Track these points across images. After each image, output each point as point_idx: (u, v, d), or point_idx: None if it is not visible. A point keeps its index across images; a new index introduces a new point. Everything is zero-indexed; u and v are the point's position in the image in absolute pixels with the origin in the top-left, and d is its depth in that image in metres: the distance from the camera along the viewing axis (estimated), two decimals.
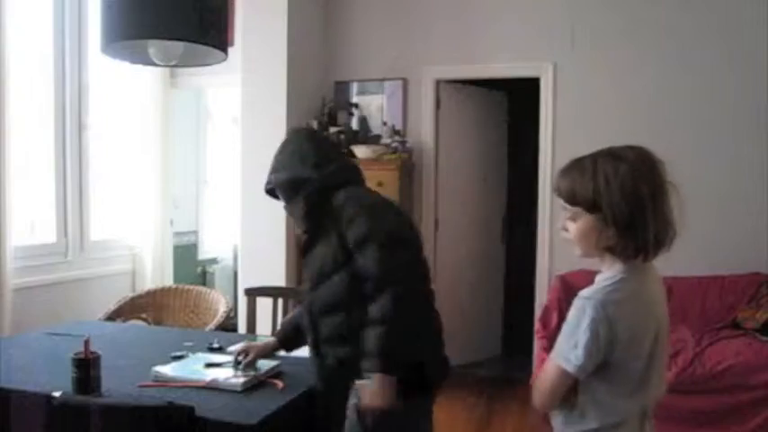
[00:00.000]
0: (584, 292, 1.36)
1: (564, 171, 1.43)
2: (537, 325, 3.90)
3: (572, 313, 1.36)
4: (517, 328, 5.05)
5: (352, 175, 2.00)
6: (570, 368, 1.33)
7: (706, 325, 3.71)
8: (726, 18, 4.07)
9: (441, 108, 4.73)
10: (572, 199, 1.40)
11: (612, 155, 1.36)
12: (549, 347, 3.71)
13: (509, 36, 4.49)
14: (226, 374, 2.00)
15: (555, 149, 4.40)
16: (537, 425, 3.87)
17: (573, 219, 1.40)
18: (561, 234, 1.46)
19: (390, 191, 4.32)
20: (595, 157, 1.38)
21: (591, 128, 4.30)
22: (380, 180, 4.31)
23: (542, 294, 4.29)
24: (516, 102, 5.31)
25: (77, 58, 4.07)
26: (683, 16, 4.15)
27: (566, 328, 1.36)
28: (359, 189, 1.96)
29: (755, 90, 4.02)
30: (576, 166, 1.40)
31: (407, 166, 4.54)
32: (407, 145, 4.58)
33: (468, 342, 4.78)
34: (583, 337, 1.31)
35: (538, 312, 4.07)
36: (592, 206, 1.35)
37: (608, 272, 1.38)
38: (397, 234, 1.80)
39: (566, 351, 1.34)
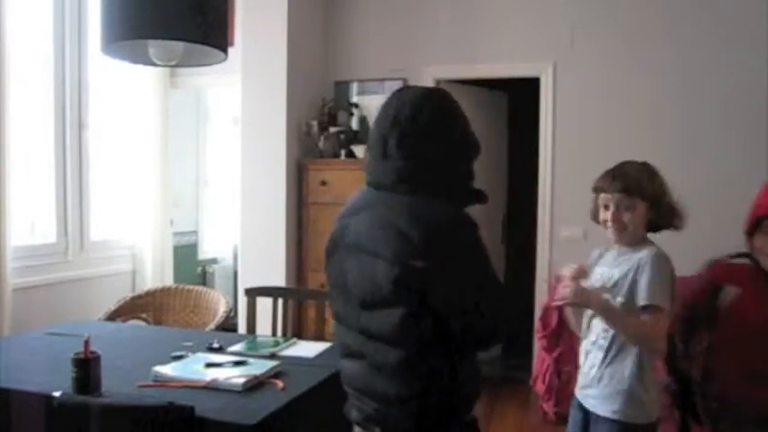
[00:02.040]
0: (655, 248, 1.89)
1: (618, 172, 1.92)
2: (537, 325, 3.90)
3: (656, 265, 1.83)
4: (517, 328, 5.05)
5: None
6: (666, 306, 1.80)
7: None
8: (726, 18, 4.07)
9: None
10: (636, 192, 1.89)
11: (647, 164, 1.96)
12: (548, 347, 3.72)
13: (509, 36, 4.49)
14: (226, 374, 2.00)
15: (555, 149, 4.40)
16: (537, 425, 3.88)
17: (630, 208, 1.89)
18: (609, 225, 1.92)
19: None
20: (640, 164, 1.95)
21: (591, 128, 4.30)
22: None
23: (542, 294, 4.29)
24: (516, 102, 5.31)
25: (77, 57, 4.07)
26: (683, 17, 4.15)
27: (653, 276, 1.81)
28: None
29: (755, 89, 4.02)
30: (628, 169, 1.92)
31: None
32: None
33: None
34: (667, 279, 1.84)
35: (538, 312, 4.07)
36: (650, 197, 1.89)
37: (647, 243, 1.92)
38: None
39: (660, 295, 1.80)
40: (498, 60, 4.51)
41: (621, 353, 1.88)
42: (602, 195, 1.94)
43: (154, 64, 2.35)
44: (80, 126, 4.12)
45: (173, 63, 2.36)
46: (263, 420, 1.71)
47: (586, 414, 1.97)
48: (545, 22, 4.40)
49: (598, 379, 1.92)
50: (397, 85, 4.71)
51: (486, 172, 5.14)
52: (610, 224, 1.91)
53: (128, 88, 4.55)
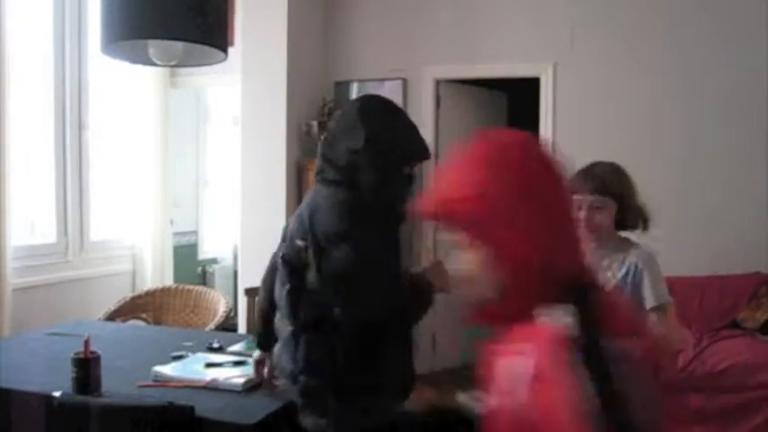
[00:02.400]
0: (642, 249, 1.92)
1: (588, 173, 1.92)
2: None
3: (652, 266, 1.88)
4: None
5: None
6: (670, 298, 1.87)
7: (706, 325, 3.71)
8: (726, 19, 4.07)
9: (440, 108, 4.73)
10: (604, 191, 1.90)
11: (615, 164, 1.97)
12: None
13: (509, 36, 4.49)
14: (226, 374, 2.00)
15: (555, 149, 4.39)
16: None
17: (601, 208, 1.89)
18: (582, 225, 1.88)
19: None
20: (609, 164, 1.96)
21: (590, 128, 4.30)
22: None
23: None
24: (516, 102, 5.31)
25: (77, 57, 4.07)
26: (683, 17, 4.15)
27: (654, 277, 1.87)
28: None
29: (755, 89, 4.02)
30: (598, 170, 1.93)
31: None
32: None
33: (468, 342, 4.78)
34: (661, 275, 1.90)
35: None
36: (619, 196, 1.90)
37: (631, 243, 1.95)
38: None
39: (666, 292, 1.87)
40: (498, 60, 4.51)
41: None
42: (575, 196, 1.89)
43: (154, 64, 2.35)
44: (80, 126, 4.12)
45: (173, 63, 2.36)
46: (262, 420, 1.71)
47: None
48: (545, 23, 4.40)
49: None
50: (397, 85, 4.71)
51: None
52: (583, 225, 1.88)
53: (128, 88, 4.55)
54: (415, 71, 4.70)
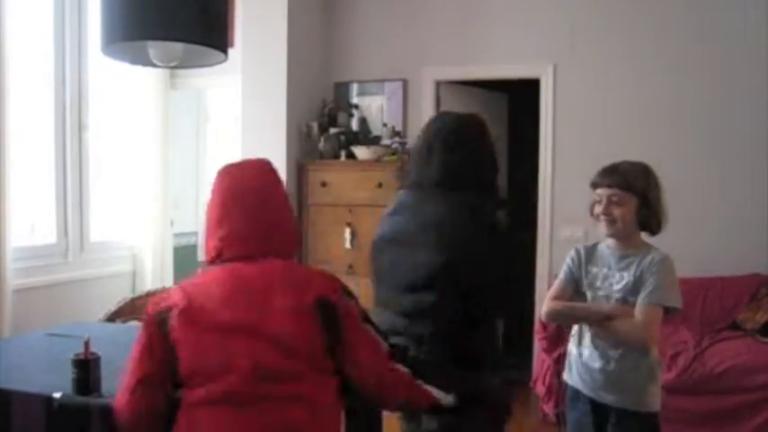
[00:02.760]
0: (661, 252, 1.98)
1: (612, 169, 2.01)
2: (537, 326, 3.90)
3: (662, 268, 1.93)
4: (517, 328, 5.04)
5: None
6: (679, 305, 1.94)
7: (706, 326, 3.71)
8: (726, 19, 4.07)
9: (441, 109, 4.73)
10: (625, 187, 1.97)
11: (644, 164, 2.05)
12: (549, 348, 3.72)
13: (509, 37, 4.49)
14: None
15: (555, 150, 4.40)
16: (537, 426, 3.88)
17: (620, 203, 1.97)
18: (601, 218, 2.01)
19: (390, 192, 4.32)
20: (637, 164, 2.03)
21: (590, 129, 4.30)
22: (380, 181, 4.31)
23: (542, 295, 4.29)
24: (516, 103, 5.30)
25: (77, 58, 4.07)
26: (683, 18, 4.15)
27: (661, 279, 1.92)
28: None
29: (755, 90, 4.02)
30: (623, 167, 2.00)
31: None
32: (407, 146, 4.58)
33: None
34: (676, 282, 1.96)
35: (538, 313, 4.07)
36: (640, 194, 1.96)
37: (650, 247, 2.01)
38: None
39: (670, 295, 1.93)
40: (498, 62, 4.51)
41: (633, 349, 1.99)
42: (597, 191, 2.03)
43: (154, 65, 2.35)
44: (80, 127, 4.12)
45: (173, 64, 2.36)
46: None
47: (600, 411, 2.05)
48: (545, 24, 4.40)
49: (614, 373, 2.01)
50: (397, 86, 4.71)
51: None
52: (602, 217, 2.00)
53: (128, 89, 4.55)
54: (415, 72, 4.70)
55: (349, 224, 4.37)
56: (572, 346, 2.16)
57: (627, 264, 2.00)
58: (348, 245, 4.36)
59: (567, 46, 4.35)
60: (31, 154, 3.91)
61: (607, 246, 2.08)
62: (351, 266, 4.38)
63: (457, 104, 4.84)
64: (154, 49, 2.25)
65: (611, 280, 2.02)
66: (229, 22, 2.49)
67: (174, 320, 1.47)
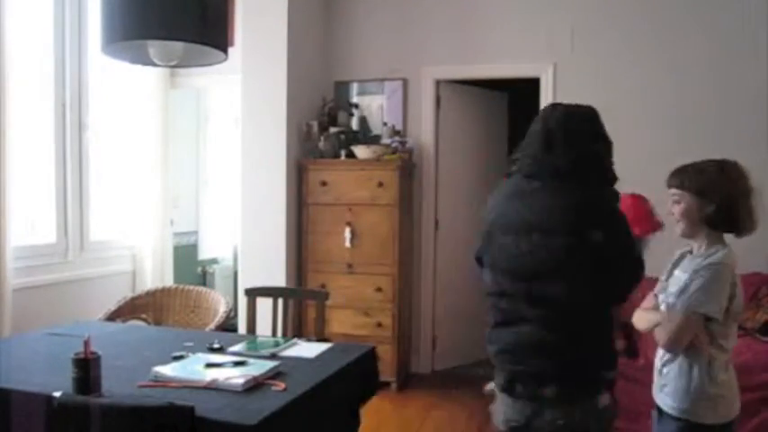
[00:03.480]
0: (712, 260, 1.91)
1: (679, 169, 2.03)
2: None
3: (705, 273, 1.89)
4: None
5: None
6: (713, 313, 1.87)
7: None
8: (726, 20, 4.07)
9: (441, 108, 4.74)
10: (682, 185, 1.99)
11: (719, 162, 2.06)
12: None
13: (509, 37, 4.49)
14: (226, 375, 2.00)
15: None
16: None
17: (678, 202, 1.98)
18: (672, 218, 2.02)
19: (390, 191, 4.33)
20: (710, 163, 2.03)
21: None
22: (381, 180, 4.31)
23: None
24: (516, 102, 5.31)
25: (77, 58, 4.07)
26: (683, 18, 4.15)
27: (702, 284, 1.88)
28: None
29: (755, 91, 4.02)
30: (690, 167, 2.01)
31: (407, 166, 4.54)
32: (407, 145, 4.58)
33: (468, 342, 4.78)
34: (721, 290, 1.89)
35: None
36: (697, 192, 1.95)
37: (711, 245, 1.96)
38: None
39: (705, 302, 1.87)
40: (498, 61, 4.51)
41: (690, 351, 1.95)
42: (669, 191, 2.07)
43: (154, 64, 2.35)
44: (80, 126, 4.12)
45: (173, 63, 2.36)
46: (263, 421, 1.71)
47: (659, 411, 2.06)
48: (545, 23, 4.41)
49: (666, 376, 2.02)
50: (397, 85, 4.71)
51: (486, 172, 5.15)
52: (671, 216, 2.05)
53: (128, 89, 4.55)
54: (415, 71, 4.70)
55: (349, 223, 4.37)
56: None
57: (692, 265, 1.98)
58: (348, 244, 4.37)
59: (567, 46, 4.36)
60: (31, 153, 3.91)
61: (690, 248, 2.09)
62: (350, 265, 4.39)
63: (457, 104, 4.85)
64: (154, 48, 2.25)
65: (679, 281, 2.02)
66: (229, 21, 2.49)
67: None
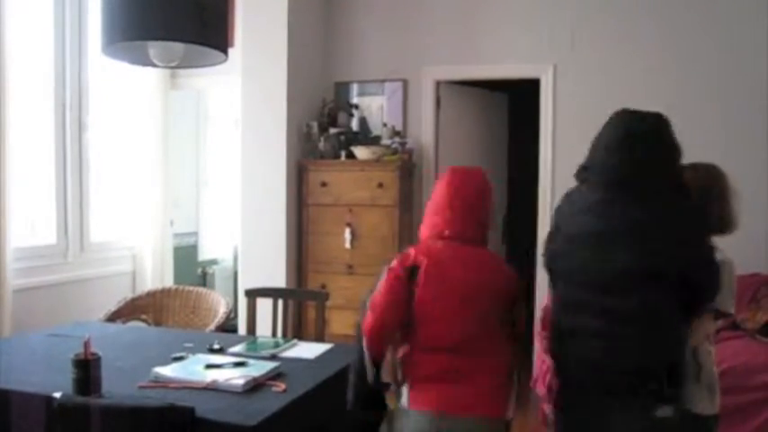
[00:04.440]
0: (722, 256, 1.93)
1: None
2: (537, 325, 3.89)
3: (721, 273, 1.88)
4: None
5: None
6: (732, 310, 1.98)
7: None
8: (726, 20, 4.07)
9: (441, 109, 4.73)
10: None
11: (706, 166, 2.18)
12: (549, 348, 3.70)
13: (509, 37, 4.49)
14: (226, 376, 2.00)
15: (555, 150, 4.40)
16: (537, 426, 3.87)
17: None
18: None
19: (390, 192, 4.33)
20: (700, 166, 2.14)
21: (590, 129, 4.27)
22: (381, 181, 4.31)
23: (543, 294, 4.29)
24: (516, 103, 5.31)
25: (77, 58, 4.07)
26: (683, 18, 4.15)
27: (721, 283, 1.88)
28: None
29: (755, 91, 4.02)
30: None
31: (408, 166, 4.54)
32: (407, 146, 4.58)
33: None
34: (732, 287, 1.98)
35: (538, 312, 4.07)
36: None
37: None
38: None
39: (726, 300, 1.94)
40: (498, 62, 4.51)
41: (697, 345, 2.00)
42: None
43: (154, 65, 2.35)
44: (80, 127, 4.12)
45: (173, 64, 2.36)
46: (263, 421, 1.71)
47: None
48: (545, 24, 4.40)
49: None
50: (397, 86, 4.71)
51: (487, 173, 5.15)
52: None
53: (128, 89, 4.55)
54: (415, 72, 4.70)
55: (349, 224, 4.37)
56: None
57: None
58: (348, 245, 4.36)
59: (566, 46, 4.35)
60: (31, 154, 3.91)
61: None
62: (350, 266, 4.38)
63: (457, 105, 4.85)
64: (154, 49, 2.26)
65: None
66: (229, 22, 2.49)
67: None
